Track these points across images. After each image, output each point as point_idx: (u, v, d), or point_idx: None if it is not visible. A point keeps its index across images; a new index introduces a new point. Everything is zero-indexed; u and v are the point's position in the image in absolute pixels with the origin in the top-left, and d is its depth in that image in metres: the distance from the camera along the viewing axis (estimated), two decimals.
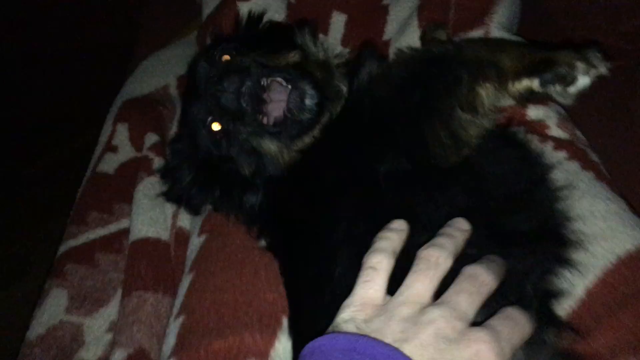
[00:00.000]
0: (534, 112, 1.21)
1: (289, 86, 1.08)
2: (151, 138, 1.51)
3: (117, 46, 2.75)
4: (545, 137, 1.17)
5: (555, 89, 0.98)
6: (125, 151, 1.55)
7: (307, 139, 1.13)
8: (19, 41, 2.97)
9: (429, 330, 0.63)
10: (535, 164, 1.05)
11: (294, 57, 1.19)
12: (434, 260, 0.71)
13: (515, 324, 0.68)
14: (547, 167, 1.06)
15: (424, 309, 0.66)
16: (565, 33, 1.65)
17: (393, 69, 1.13)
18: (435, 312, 0.65)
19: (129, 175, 1.48)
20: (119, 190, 1.47)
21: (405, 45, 1.51)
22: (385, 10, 1.65)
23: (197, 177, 1.23)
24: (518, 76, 0.98)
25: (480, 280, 0.71)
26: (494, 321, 0.68)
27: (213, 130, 1.15)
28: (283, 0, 1.58)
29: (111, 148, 1.56)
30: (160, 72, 1.76)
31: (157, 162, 1.45)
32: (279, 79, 1.08)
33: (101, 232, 1.40)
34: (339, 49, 1.52)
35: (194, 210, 1.30)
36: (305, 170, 1.12)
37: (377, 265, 0.71)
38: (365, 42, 1.50)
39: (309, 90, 1.08)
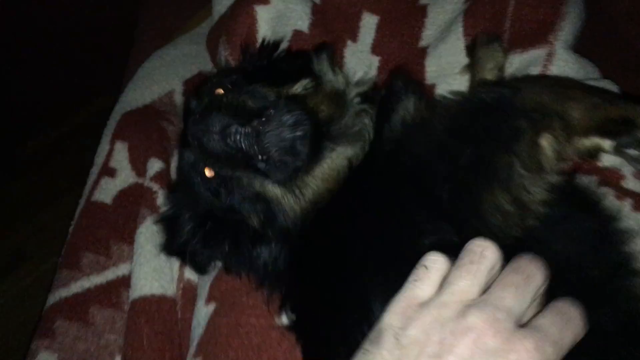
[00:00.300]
0: (606, 158, 1.03)
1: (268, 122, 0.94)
2: (154, 165, 1.34)
3: (116, 26, 2.59)
4: (622, 192, 1.01)
5: (630, 153, 0.87)
6: (125, 175, 1.37)
7: (313, 187, 1.00)
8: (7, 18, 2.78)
9: (467, 340, 0.59)
10: (613, 233, 0.89)
11: (297, 88, 1.06)
12: (479, 252, 0.66)
13: (567, 321, 0.63)
14: (628, 235, 0.89)
15: (464, 309, 0.62)
16: (629, 39, 1.49)
17: (435, 119, 0.95)
18: (476, 316, 0.61)
19: (129, 206, 1.31)
20: (117, 226, 1.30)
21: (444, 52, 1.36)
22: (423, 11, 1.47)
23: (199, 229, 1.09)
24: (588, 133, 0.85)
25: (527, 272, 0.65)
26: (543, 319, 0.63)
27: (207, 177, 1.01)
28: (307, 3, 1.40)
29: (109, 171, 1.39)
30: (164, 76, 1.58)
31: (162, 196, 1.28)
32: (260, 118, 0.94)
33: (96, 279, 1.24)
34: (364, 68, 1.35)
35: (200, 269, 1.15)
36: (326, 228, 0.97)
37: (430, 264, 0.67)
38: (396, 68, 1.33)
39: (293, 127, 0.94)
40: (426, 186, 0.86)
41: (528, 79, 1.08)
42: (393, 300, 0.66)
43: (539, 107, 0.85)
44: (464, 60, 1.30)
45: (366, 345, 0.64)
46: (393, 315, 0.65)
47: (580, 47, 1.23)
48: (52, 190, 2.93)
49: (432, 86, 1.33)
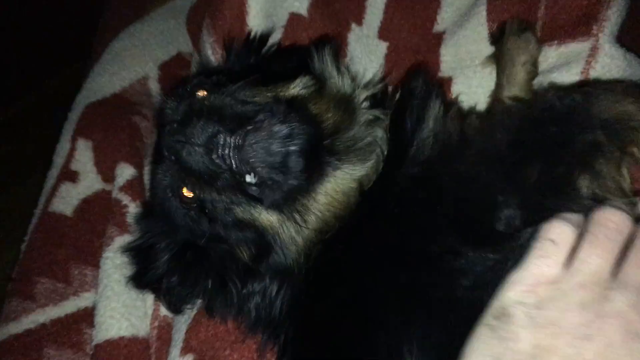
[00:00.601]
0: None
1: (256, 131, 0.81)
2: (124, 171, 1.18)
3: None
4: None
5: None
6: (89, 180, 1.21)
7: (317, 212, 0.87)
8: None
9: (615, 324, 0.57)
10: None
11: (295, 87, 0.92)
12: (613, 226, 0.62)
13: None
14: None
15: (605, 291, 0.59)
16: None
17: (488, 130, 0.82)
18: (621, 300, 0.58)
19: (94, 219, 1.16)
20: (79, 245, 1.14)
21: (463, 40, 1.21)
22: None
23: (177, 261, 0.95)
24: None
25: None
26: None
27: (186, 199, 0.86)
28: None
29: (69, 175, 1.22)
30: (136, 58, 1.41)
31: (133, 209, 1.11)
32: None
33: (53, 312, 1.07)
34: (370, 56, 1.21)
35: (174, 308, 1.00)
36: (336, 264, 0.85)
37: (558, 237, 0.63)
38: (414, 66, 1.16)
39: (285, 139, 0.81)
40: (475, 215, 0.76)
41: (600, 84, 0.95)
42: (515, 276, 0.62)
43: (621, 117, 0.76)
44: (486, 49, 1.16)
45: (489, 320, 0.60)
46: (520, 292, 0.61)
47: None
48: (18, 168, 2.69)
49: (448, 79, 1.18)
